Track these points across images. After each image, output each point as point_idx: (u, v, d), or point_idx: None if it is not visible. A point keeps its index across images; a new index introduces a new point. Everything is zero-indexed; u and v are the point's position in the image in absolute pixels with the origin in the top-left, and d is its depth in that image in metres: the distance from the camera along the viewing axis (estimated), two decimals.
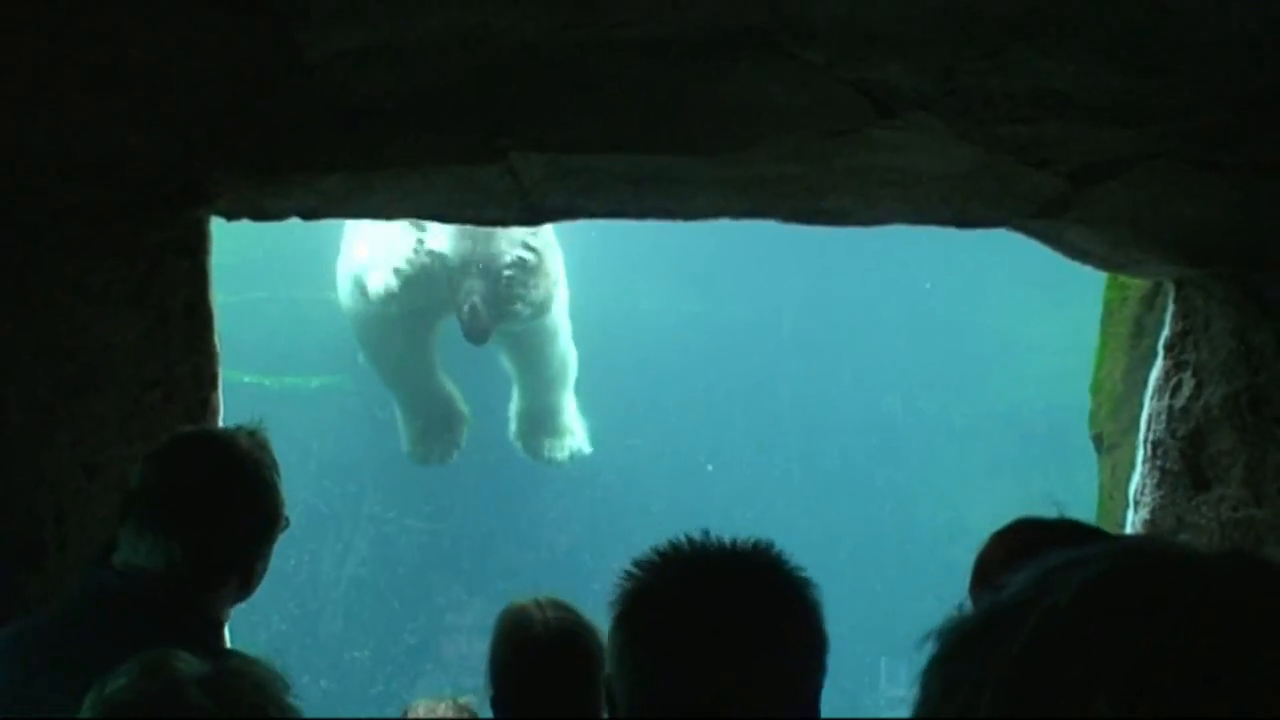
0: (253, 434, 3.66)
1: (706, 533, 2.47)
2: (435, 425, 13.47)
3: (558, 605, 4.03)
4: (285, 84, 4.13)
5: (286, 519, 3.66)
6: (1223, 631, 1.18)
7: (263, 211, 4.83)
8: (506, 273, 12.11)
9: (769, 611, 2.44)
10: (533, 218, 4.97)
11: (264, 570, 3.64)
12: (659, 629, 2.41)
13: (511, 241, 12.13)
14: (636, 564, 2.45)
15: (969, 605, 3.40)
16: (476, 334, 12.15)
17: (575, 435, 13.85)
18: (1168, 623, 1.19)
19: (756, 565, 2.47)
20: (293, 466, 3.96)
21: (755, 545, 2.48)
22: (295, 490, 3.88)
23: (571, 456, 13.83)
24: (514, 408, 13.70)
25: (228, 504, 3.53)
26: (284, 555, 3.70)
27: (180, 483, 3.52)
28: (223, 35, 3.94)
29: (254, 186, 4.62)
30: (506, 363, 13.54)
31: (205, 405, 4.74)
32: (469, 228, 11.17)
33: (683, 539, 2.46)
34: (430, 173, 4.60)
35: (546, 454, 13.72)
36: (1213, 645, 1.17)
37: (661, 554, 2.45)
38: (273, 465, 3.63)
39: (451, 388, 13.46)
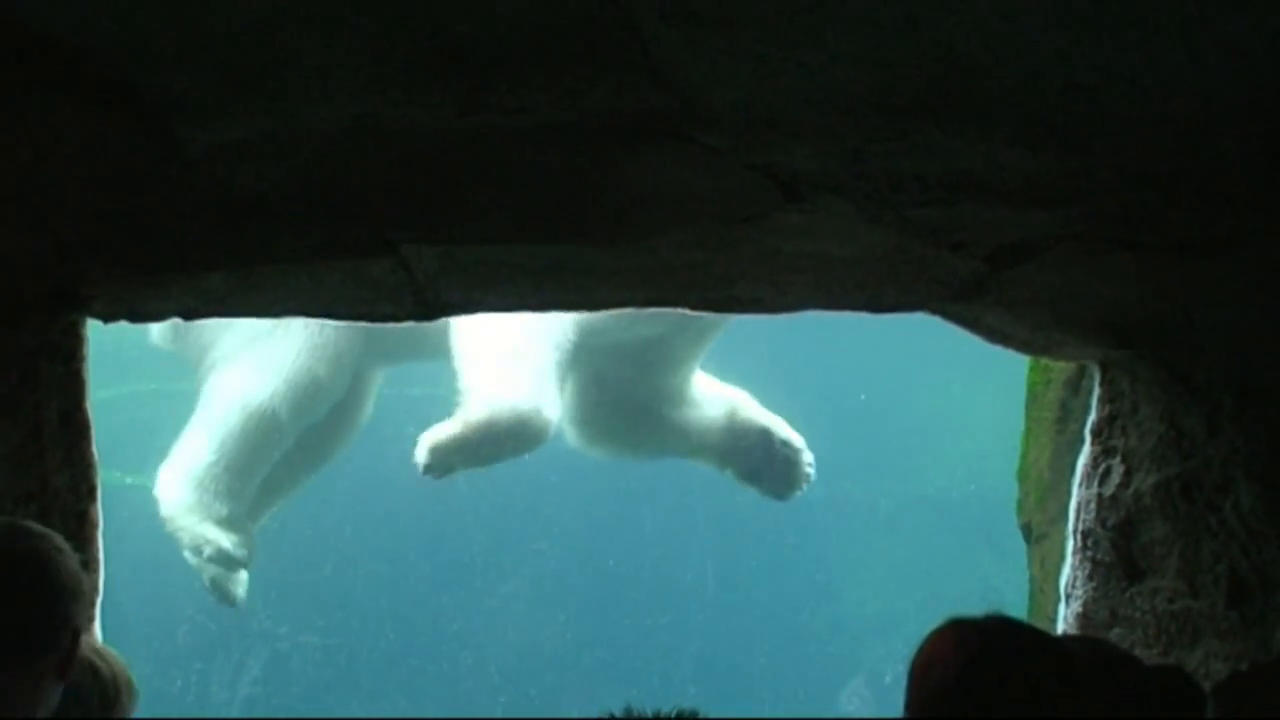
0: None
1: (629, 709, 2.73)
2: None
3: None
4: (163, 180, 4.16)
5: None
6: None
7: (141, 313, 4.86)
8: None
9: None
10: (427, 313, 5.00)
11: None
12: None
13: None
14: None
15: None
16: None
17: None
18: None
19: None
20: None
21: (680, 715, 2.75)
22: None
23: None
24: None
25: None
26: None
27: None
28: (96, 132, 3.96)
29: (132, 287, 4.64)
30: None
31: (84, 519, 4.72)
32: None
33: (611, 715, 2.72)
34: (318, 269, 4.63)
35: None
36: None
37: None
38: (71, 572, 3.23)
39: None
